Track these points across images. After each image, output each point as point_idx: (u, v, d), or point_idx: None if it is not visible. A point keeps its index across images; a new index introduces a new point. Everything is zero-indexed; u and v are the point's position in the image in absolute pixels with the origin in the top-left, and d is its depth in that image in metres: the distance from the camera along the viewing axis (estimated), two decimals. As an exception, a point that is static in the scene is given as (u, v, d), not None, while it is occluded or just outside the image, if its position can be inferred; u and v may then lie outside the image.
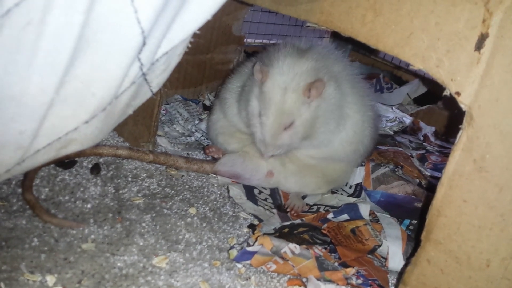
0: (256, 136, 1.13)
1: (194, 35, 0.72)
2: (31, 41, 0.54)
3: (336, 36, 2.18)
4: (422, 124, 1.83)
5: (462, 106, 0.73)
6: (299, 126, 1.08)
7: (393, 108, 1.86)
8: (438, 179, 0.79)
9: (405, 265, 0.87)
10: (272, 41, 1.96)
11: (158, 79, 0.71)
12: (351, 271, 0.91)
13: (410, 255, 0.98)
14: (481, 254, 0.75)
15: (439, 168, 1.45)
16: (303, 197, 1.24)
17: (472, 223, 0.74)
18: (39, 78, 0.58)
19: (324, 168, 1.24)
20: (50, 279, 0.76)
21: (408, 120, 1.80)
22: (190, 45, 0.75)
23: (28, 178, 0.96)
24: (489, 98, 0.70)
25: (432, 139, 1.76)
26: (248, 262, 0.91)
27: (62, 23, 0.54)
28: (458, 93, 0.73)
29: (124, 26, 0.58)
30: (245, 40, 1.71)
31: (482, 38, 0.69)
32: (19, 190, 0.96)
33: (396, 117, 1.78)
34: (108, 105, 0.66)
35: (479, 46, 0.70)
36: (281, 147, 1.10)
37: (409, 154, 1.48)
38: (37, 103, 0.60)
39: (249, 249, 0.92)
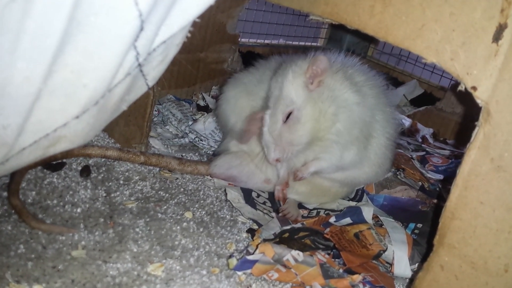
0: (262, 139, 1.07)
1: (188, 33, 0.67)
2: (16, 21, 0.49)
3: (330, 38, 2.15)
4: (419, 125, 1.81)
5: (478, 101, 0.69)
6: (302, 120, 1.00)
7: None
8: (440, 182, 0.75)
9: (416, 272, 0.83)
10: (266, 41, 1.92)
11: (154, 71, 0.66)
12: (358, 278, 0.86)
13: (421, 260, 0.94)
14: (498, 258, 0.71)
15: (440, 170, 1.41)
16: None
17: (489, 226, 0.71)
18: (25, 65, 0.53)
19: (336, 190, 1.20)
20: (38, 289, 0.73)
21: (407, 122, 1.78)
22: (183, 42, 0.71)
23: (14, 181, 0.92)
24: (508, 92, 0.66)
25: (430, 140, 1.73)
26: (249, 271, 0.86)
27: (50, 2, 0.49)
28: (474, 88, 0.69)
29: (120, 8, 0.53)
30: (239, 39, 1.67)
31: (501, 29, 0.66)
32: (4, 193, 0.91)
33: (395, 119, 1.75)
34: (100, 98, 0.60)
35: (497, 37, 0.66)
36: (286, 148, 1.02)
37: (410, 156, 1.44)
38: (22, 94, 0.54)
39: (250, 257, 0.87)
